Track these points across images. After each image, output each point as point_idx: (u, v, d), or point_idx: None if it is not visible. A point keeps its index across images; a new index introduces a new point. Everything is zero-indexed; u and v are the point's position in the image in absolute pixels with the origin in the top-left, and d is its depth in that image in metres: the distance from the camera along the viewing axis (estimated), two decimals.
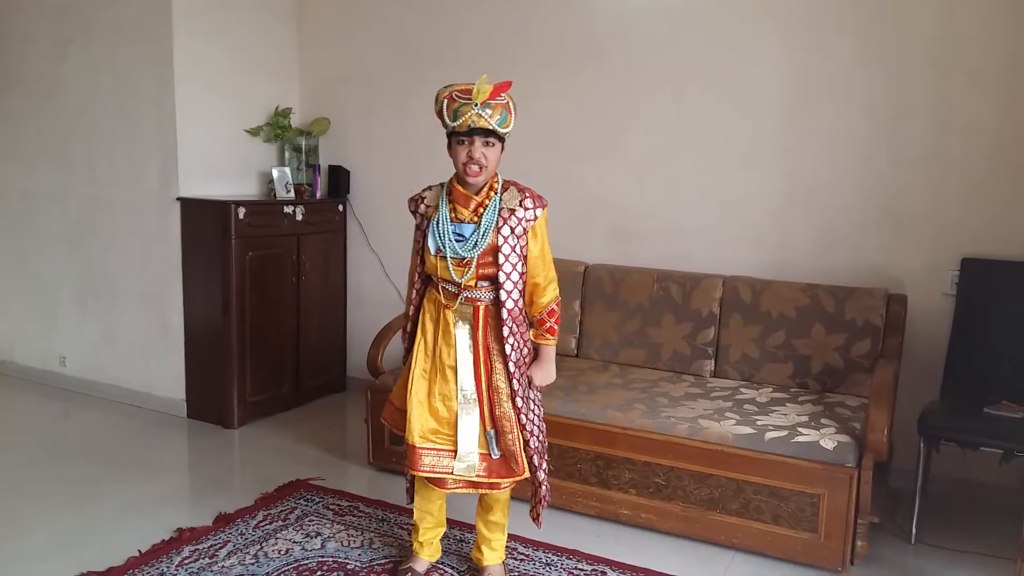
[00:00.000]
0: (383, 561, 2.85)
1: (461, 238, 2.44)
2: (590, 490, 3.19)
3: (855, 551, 2.80)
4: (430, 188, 2.58)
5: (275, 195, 4.52)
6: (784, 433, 2.92)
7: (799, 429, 2.94)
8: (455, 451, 2.47)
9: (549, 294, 2.53)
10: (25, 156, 4.85)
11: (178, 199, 4.24)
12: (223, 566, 2.79)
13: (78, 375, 4.80)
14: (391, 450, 3.60)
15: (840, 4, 3.57)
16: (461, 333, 2.48)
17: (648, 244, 4.04)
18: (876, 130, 3.55)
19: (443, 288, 2.48)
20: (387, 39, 4.63)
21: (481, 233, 2.41)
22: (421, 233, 2.54)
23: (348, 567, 2.80)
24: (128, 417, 4.39)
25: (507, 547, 2.89)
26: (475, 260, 2.41)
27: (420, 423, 2.49)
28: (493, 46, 4.32)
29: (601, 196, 4.13)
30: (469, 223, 2.44)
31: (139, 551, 2.87)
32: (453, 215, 2.46)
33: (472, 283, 2.44)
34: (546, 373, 2.58)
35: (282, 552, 2.90)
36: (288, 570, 2.78)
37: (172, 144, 4.22)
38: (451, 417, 2.48)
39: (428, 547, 2.77)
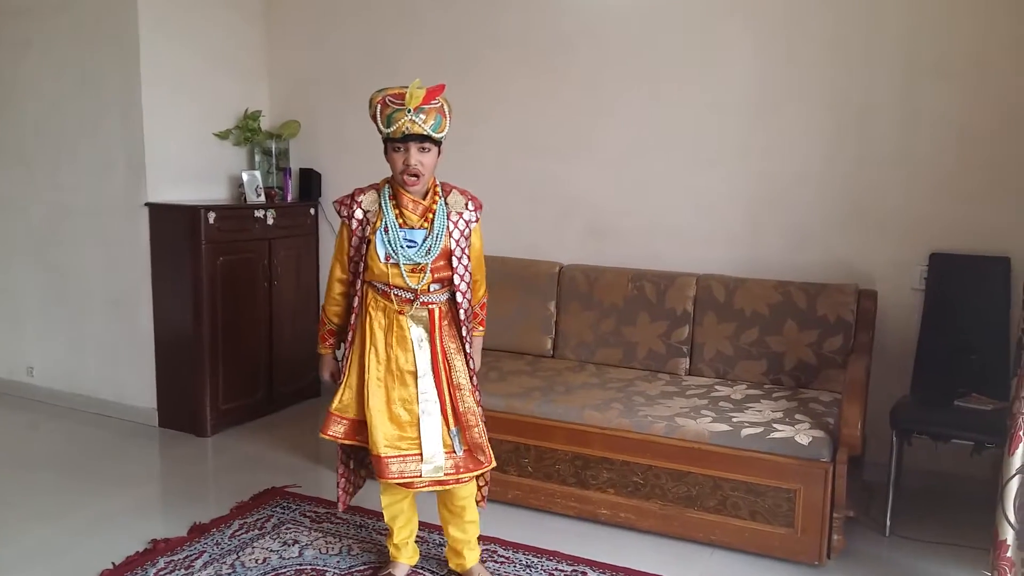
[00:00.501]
0: (362, 567, 2.83)
1: (412, 244, 2.44)
2: (568, 491, 3.20)
3: (831, 545, 2.82)
4: (363, 191, 2.54)
5: (245, 199, 4.48)
6: (760, 430, 2.94)
7: (774, 425, 2.97)
8: (421, 454, 2.48)
9: (483, 289, 2.68)
10: None
11: (146, 204, 4.18)
12: None
13: (46, 385, 4.71)
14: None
15: (808, 2, 3.60)
16: (417, 337, 2.49)
17: (622, 243, 4.05)
18: (844, 127, 3.59)
19: (395, 295, 2.48)
20: (357, 40, 4.60)
21: (435, 239, 2.44)
22: (359, 239, 2.50)
23: (327, 575, 2.78)
24: (98, 427, 4.32)
25: (487, 550, 2.90)
26: (428, 266, 2.43)
27: (383, 432, 2.48)
28: (464, 46, 4.31)
29: (574, 195, 4.14)
30: (419, 229, 2.45)
31: (113, 564, 2.83)
32: (401, 221, 2.45)
33: (427, 288, 2.47)
34: (477, 363, 2.69)
35: (259, 561, 2.87)
36: None
37: (139, 148, 4.15)
38: (413, 420, 2.49)
39: (405, 549, 2.76)
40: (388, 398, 2.49)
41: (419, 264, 2.43)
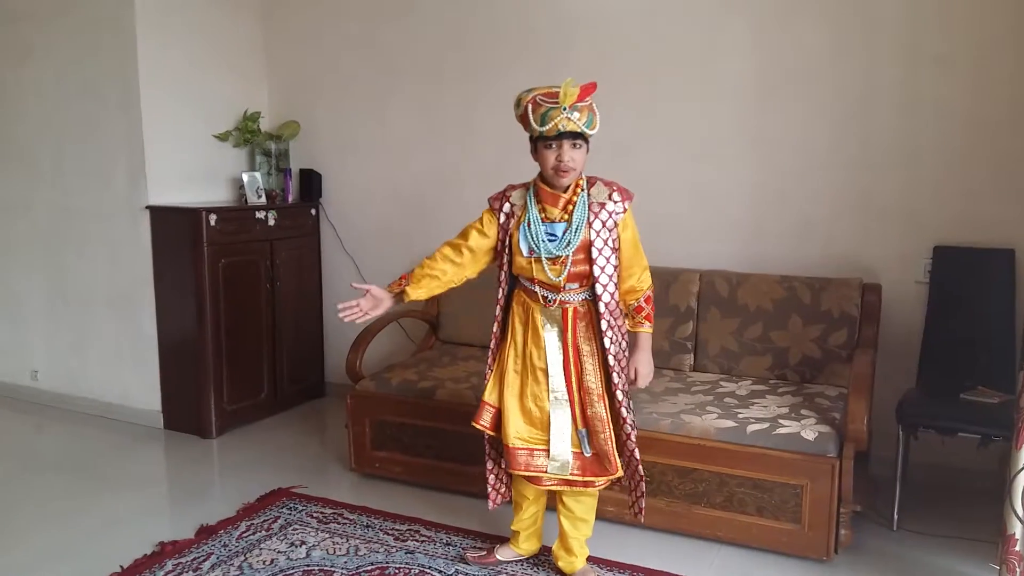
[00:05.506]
0: (369, 568, 2.83)
1: (553, 237, 2.46)
2: None
3: (839, 540, 2.82)
4: (513, 187, 2.59)
5: (246, 200, 4.47)
6: (765, 425, 2.94)
7: (780, 421, 2.96)
8: (548, 450, 2.53)
9: (645, 282, 2.58)
10: None
11: (147, 207, 4.18)
12: None
13: (51, 388, 4.72)
14: (373, 455, 3.57)
15: None
16: (550, 336, 2.52)
17: None
18: (846, 119, 3.58)
19: (538, 291, 2.51)
20: (356, 40, 4.59)
21: (574, 230, 2.44)
22: (505, 232, 2.54)
23: (334, 575, 2.78)
24: (104, 430, 4.33)
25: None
26: (569, 258, 2.43)
27: (515, 424, 2.56)
28: (463, 44, 4.31)
29: None
30: (560, 222, 2.47)
31: (121, 567, 2.83)
32: (543, 215, 2.48)
33: (563, 284, 2.47)
34: (649, 363, 2.62)
35: (267, 563, 2.87)
36: None
37: (139, 151, 4.15)
38: (543, 417, 2.54)
39: (519, 537, 2.81)
40: (522, 392, 2.56)
41: (559, 256, 2.44)
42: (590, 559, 2.80)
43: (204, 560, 2.89)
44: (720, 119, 3.80)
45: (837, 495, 2.79)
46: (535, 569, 2.83)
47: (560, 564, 2.77)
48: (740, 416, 3.03)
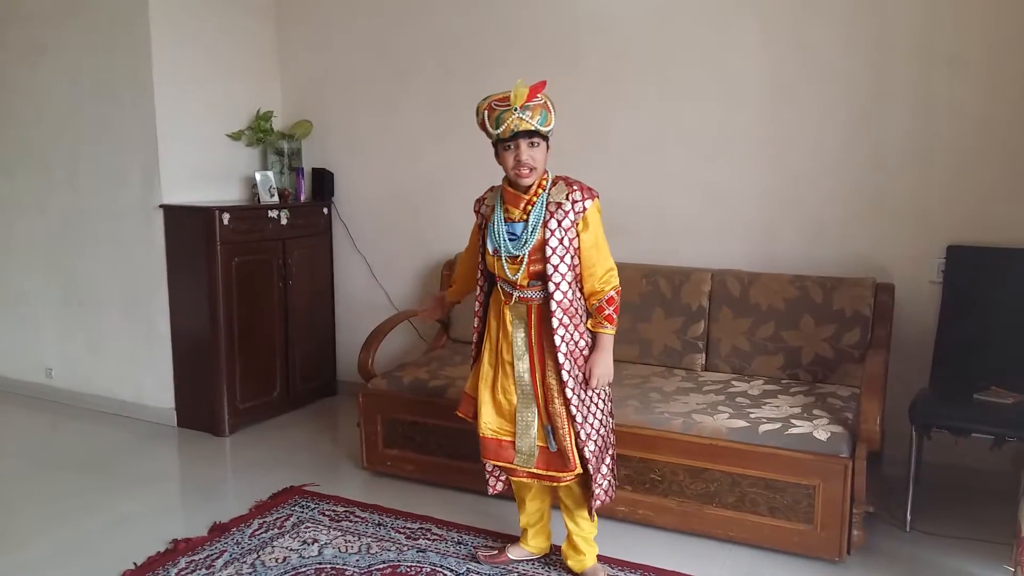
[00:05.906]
0: (381, 566, 2.84)
1: (514, 236, 2.53)
2: None
3: (851, 541, 2.81)
4: (491, 189, 2.69)
5: (259, 200, 4.49)
6: (777, 425, 2.93)
7: (792, 421, 2.96)
8: (514, 442, 2.60)
9: (608, 283, 2.55)
10: (2, 166, 4.79)
11: (161, 206, 4.20)
12: None
13: (65, 387, 4.76)
14: (385, 454, 3.59)
15: None
16: (517, 331, 2.58)
17: (635, 239, 4.03)
18: (859, 119, 3.56)
19: (502, 287, 2.59)
20: (368, 39, 4.61)
21: (530, 230, 2.49)
22: (482, 233, 2.66)
23: (347, 573, 2.79)
24: (117, 428, 4.35)
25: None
26: (526, 257, 2.48)
27: (486, 415, 2.63)
28: (475, 45, 4.31)
29: None
30: (519, 222, 2.52)
31: (134, 564, 2.85)
32: (506, 215, 2.55)
33: (525, 282, 2.53)
34: (604, 364, 2.56)
35: (279, 560, 2.89)
36: None
37: (153, 151, 4.17)
38: (511, 410, 2.60)
39: (527, 535, 2.86)
40: (494, 384, 2.63)
41: (517, 256, 2.51)
42: (601, 558, 2.80)
43: (217, 557, 2.90)
44: (732, 119, 3.79)
45: (850, 495, 2.78)
46: (546, 568, 2.83)
47: (569, 563, 2.78)
48: (752, 416, 3.02)
